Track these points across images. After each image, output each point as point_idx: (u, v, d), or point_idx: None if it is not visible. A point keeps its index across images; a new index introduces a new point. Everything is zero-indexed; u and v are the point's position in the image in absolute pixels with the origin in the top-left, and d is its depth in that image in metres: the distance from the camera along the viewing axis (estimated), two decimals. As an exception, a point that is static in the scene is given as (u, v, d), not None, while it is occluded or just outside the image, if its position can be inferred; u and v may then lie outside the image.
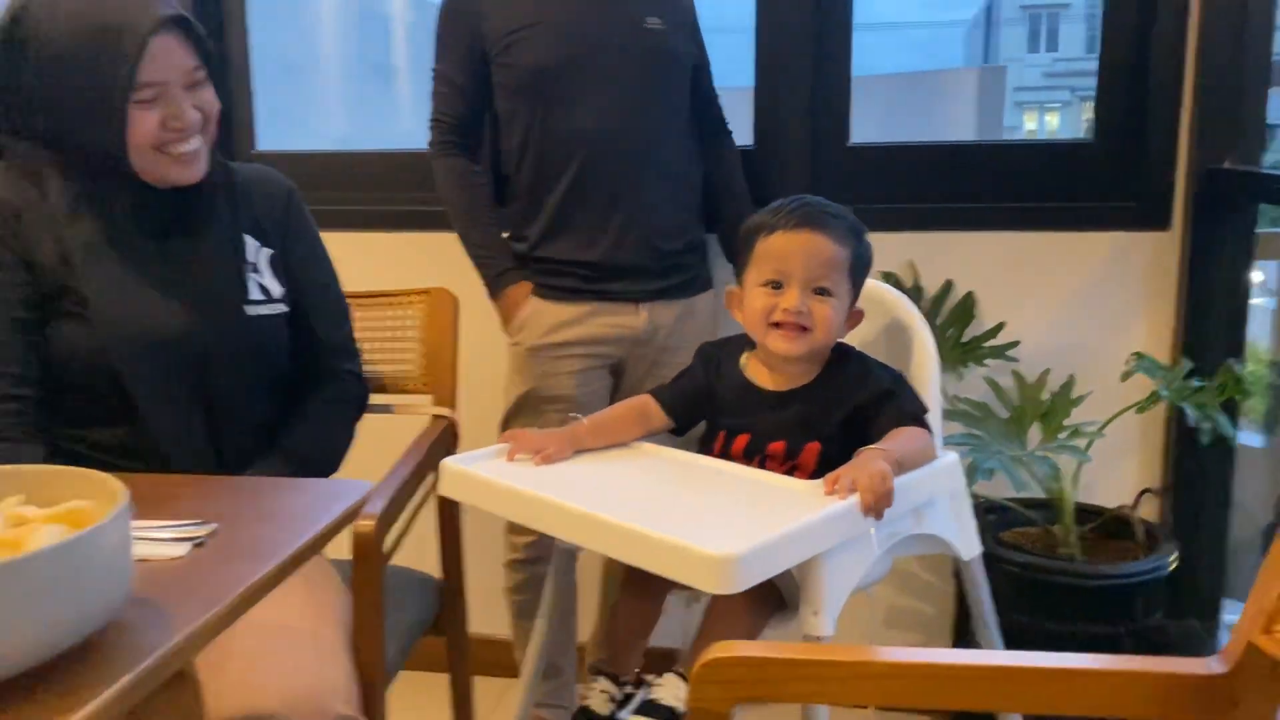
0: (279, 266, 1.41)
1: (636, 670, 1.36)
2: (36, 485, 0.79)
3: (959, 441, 1.78)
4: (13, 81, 1.24)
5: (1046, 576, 1.76)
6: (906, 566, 2.09)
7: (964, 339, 1.96)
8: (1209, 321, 1.88)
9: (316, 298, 1.45)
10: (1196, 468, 1.92)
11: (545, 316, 1.78)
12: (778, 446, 1.33)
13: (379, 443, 1.57)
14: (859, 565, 1.22)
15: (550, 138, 1.74)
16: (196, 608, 0.77)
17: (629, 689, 1.32)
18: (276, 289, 1.39)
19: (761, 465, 1.34)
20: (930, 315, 1.96)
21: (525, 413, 1.82)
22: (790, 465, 1.33)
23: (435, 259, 2.13)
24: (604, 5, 1.74)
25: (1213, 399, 1.76)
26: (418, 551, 1.58)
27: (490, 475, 1.29)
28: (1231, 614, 2.02)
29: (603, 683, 1.33)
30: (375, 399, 1.71)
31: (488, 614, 2.03)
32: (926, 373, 1.45)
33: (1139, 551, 1.84)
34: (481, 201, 1.81)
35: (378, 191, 2.26)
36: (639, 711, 1.22)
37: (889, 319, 1.52)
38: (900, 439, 1.27)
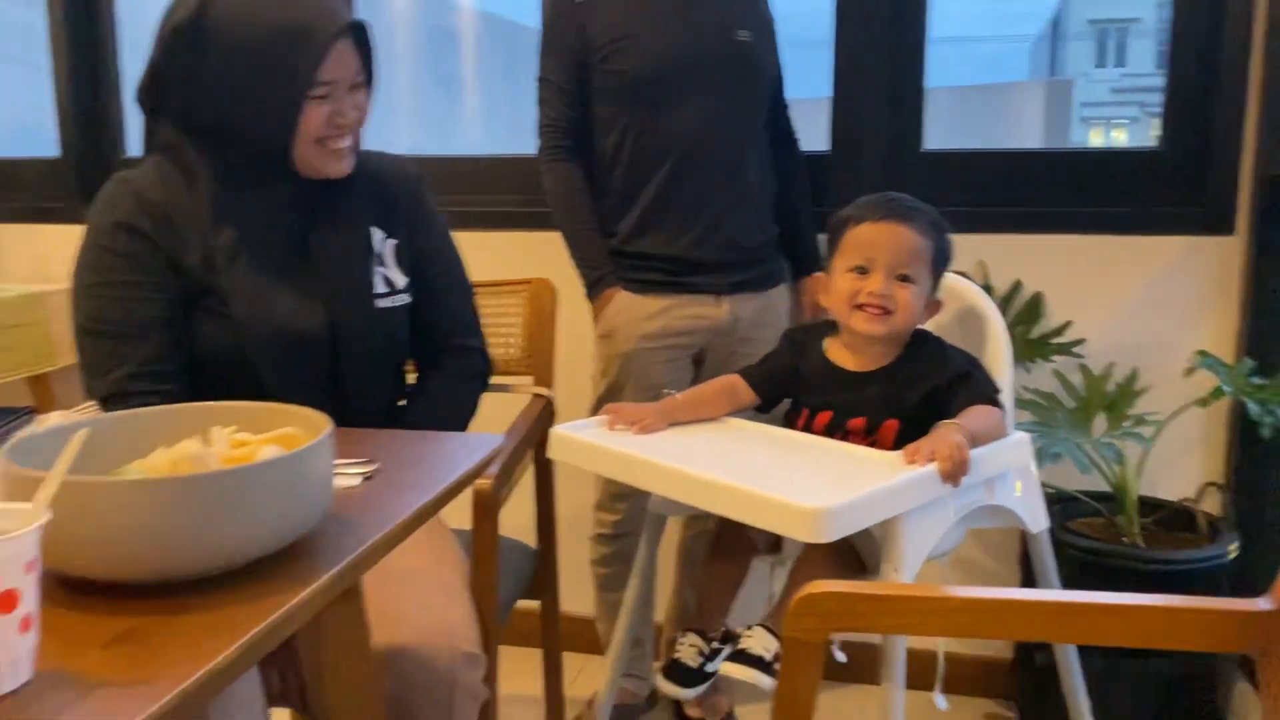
0: (403, 256, 1.48)
1: (723, 628, 1.47)
2: (249, 419, 0.94)
3: (1027, 429, 1.88)
4: (194, 69, 1.31)
5: (1109, 561, 1.84)
6: (972, 555, 2.18)
7: (1032, 336, 2.05)
8: (1271, 321, 1.95)
9: (445, 278, 1.55)
10: (1258, 462, 1.99)
11: (632, 309, 1.91)
12: (858, 423, 1.45)
13: (484, 417, 1.70)
14: (936, 529, 1.33)
15: (645, 141, 1.87)
16: (374, 525, 0.91)
17: (716, 644, 1.44)
18: (400, 280, 1.47)
19: (843, 438, 1.46)
20: (1000, 313, 2.06)
21: (615, 401, 1.94)
22: (870, 441, 1.45)
23: (529, 254, 2.29)
24: (699, 17, 1.86)
25: (1274, 394, 1.84)
26: (510, 524, 1.71)
27: (597, 440, 1.42)
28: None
29: (692, 638, 1.45)
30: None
31: (568, 592, 2.16)
32: (999, 357, 1.55)
33: (1201, 541, 1.91)
34: (586, 208, 1.93)
35: (470, 194, 2.41)
36: (731, 659, 1.33)
37: (963, 308, 1.63)
38: (975, 415, 1.38)
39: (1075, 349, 2.04)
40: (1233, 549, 1.87)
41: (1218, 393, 1.87)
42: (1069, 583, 1.89)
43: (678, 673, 1.41)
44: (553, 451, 1.49)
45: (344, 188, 1.42)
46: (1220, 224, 2.00)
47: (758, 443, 1.45)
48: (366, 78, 1.39)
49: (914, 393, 1.44)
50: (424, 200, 1.54)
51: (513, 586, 1.70)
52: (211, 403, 0.97)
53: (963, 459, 1.28)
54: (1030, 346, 2.05)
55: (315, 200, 1.40)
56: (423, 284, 1.52)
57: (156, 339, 1.32)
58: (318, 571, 0.81)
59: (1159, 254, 2.03)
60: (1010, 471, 1.47)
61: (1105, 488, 1.95)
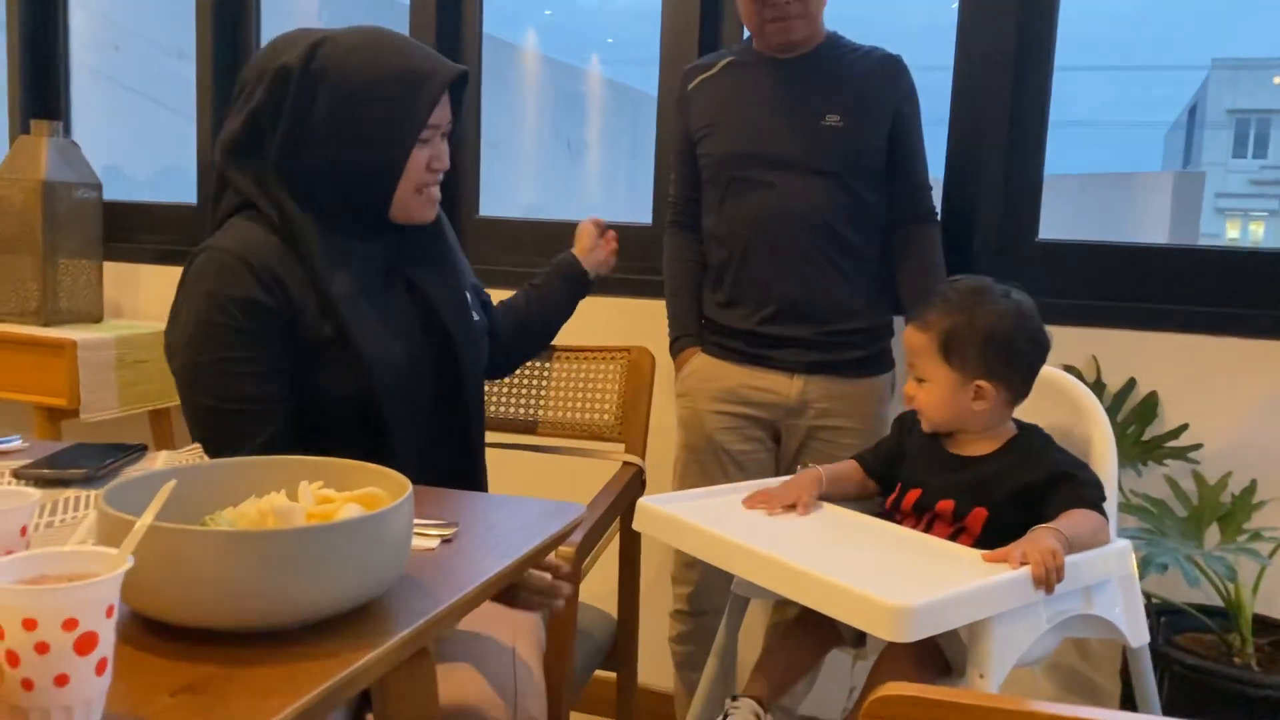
0: (466, 280, 1.55)
1: (777, 707, 1.43)
2: (336, 475, 0.96)
3: (1133, 535, 1.79)
4: (302, 114, 1.32)
5: (1217, 682, 1.73)
6: (1070, 662, 2.08)
7: (1144, 437, 1.97)
8: None
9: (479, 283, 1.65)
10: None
11: (706, 372, 1.95)
12: (946, 505, 1.41)
13: (572, 482, 1.72)
14: (1027, 635, 1.28)
15: (730, 220, 1.92)
16: (449, 589, 0.92)
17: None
18: (472, 299, 1.53)
19: (930, 523, 1.42)
20: (1111, 411, 1.98)
21: (690, 461, 1.94)
22: (957, 527, 1.40)
23: (634, 321, 2.31)
24: (785, 104, 1.90)
25: None
26: (593, 591, 1.71)
27: (684, 515, 1.41)
28: None
29: (748, 704, 1.40)
30: (572, 443, 1.88)
31: (648, 664, 2.14)
32: (1103, 457, 1.49)
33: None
34: (685, 274, 2.01)
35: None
36: None
37: (1068, 406, 1.57)
38: (1074, 519, 1.33)
39: (1190, 454, 1.94)
40: (1358, 681, 1.73)
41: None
42: (1172, 702, 1.78)
43: None
44: (639, 524, 1.49)
45: (427, 228, 1.47)
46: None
47: (846, 529, 1.42)
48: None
49: (1008, 486, 1.40)
50: (447, 221, 1.60)
51: (591, 655, 1.69)
52: (302, 457, 1.00)
53: (1057, 565, 1.23)
54: (1141, 448, 1.96)
55: (408, 243, 1.44)
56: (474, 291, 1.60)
57: (282, 410, 1.31)
58: (387, 634, 0.82)
59: (1285, 360, 1.94)
60: (1111, 580, 1.41)
61: (1217, 602, 1.84)
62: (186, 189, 3.04)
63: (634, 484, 1.78)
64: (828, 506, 1.51)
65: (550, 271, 1.77)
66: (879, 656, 1.37)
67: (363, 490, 0.92)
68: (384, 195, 1.37)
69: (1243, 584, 1.80)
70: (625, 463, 1.81)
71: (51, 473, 1.18)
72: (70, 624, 0.64)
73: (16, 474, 1.19)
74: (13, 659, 0.64)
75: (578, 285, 1.77)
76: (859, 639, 1.50)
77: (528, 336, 1.75)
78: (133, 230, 2.89)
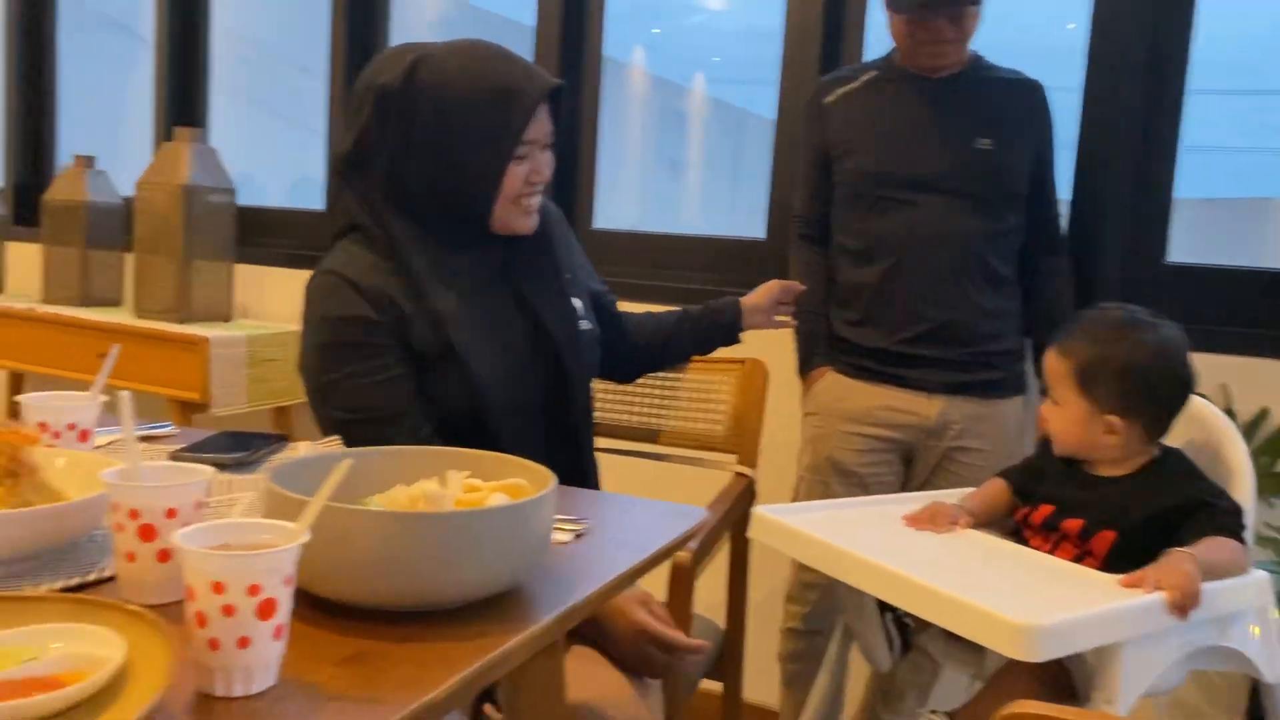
0: (576, 286, 1.56)
1: None
2: (481, 466, 1.00)
3: (1267, 569, 1.73)
4: (405, 132, 1.35)
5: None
6: (1189, 698, 2.01)
7: (1277, 469, 1.90)
8: None
9: (595, 278, 1.68)
10: None
11: (838, 391, 1.92)
12: (1074, 524, 1.38)
13: (684, 491, 1.73)
14: (1157, 663, 1.25)
15: (870, 238, 1.89)
16: (584, 582, 0.95)
17: None
18: (581, 307, 1.54)
19: (1057, 543, 1.40)
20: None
21: (815, 482, 1.93)
22: (1083, 549, 1.38)
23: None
24: (936, 124, 1.88)
25: None
26: (700, 602, 1.72)
27: (801, 525, 1.42)
28: None
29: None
30: (684, 453, 1.89)
31: (752, 678, 2.13)
32: (1242, 490, 1.45)
33: None
34: (816, 292, 1.95)
35: (689, 271, 2.48)
36: None
37: (1206, 432, 1.53)
38: (1211, 546, 1.29)
39: (1327, 488, 1.87)
40: None
41: None
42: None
43: None
44: (754, 531, 1.49)
45: (533, 238, 1.48)
46: None
47: (973, 548, 1.41)
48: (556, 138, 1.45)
49: (1141, 510, 1.36)
50: (568, 229, 1.63)
51: (698, 664, 1.69)
52: (448, 448, 1.03)
53: (1193, 591, 1.20)
54: (1275, 481, 1.89)
55: (513, 254, 1.46)
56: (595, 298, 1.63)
57: (413, 414, 1.35)
58: (531, 619, 0.85)
59: None
60: (1247, 612, 1.36)
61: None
62: (305, 197, 3.16)
63: (745, 495, 1.78)
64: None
65: (709, 311, 1.73)
66: (999, 670, 1.35)
67: (508, 480, 0.95)
68: (482, 209, 1.40)
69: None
70: (737, 474, 1.82)
71: (209, 456, 1.25)
72: (254, 589, 0.68)
73: (173, 457, 1.26)
74: (201, 619, 0.68)
75: (728, 334, 1.74)
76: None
77: (663, 358, 1.76)
78: (261, 234, 3.01)
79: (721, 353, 1.95)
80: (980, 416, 1.87)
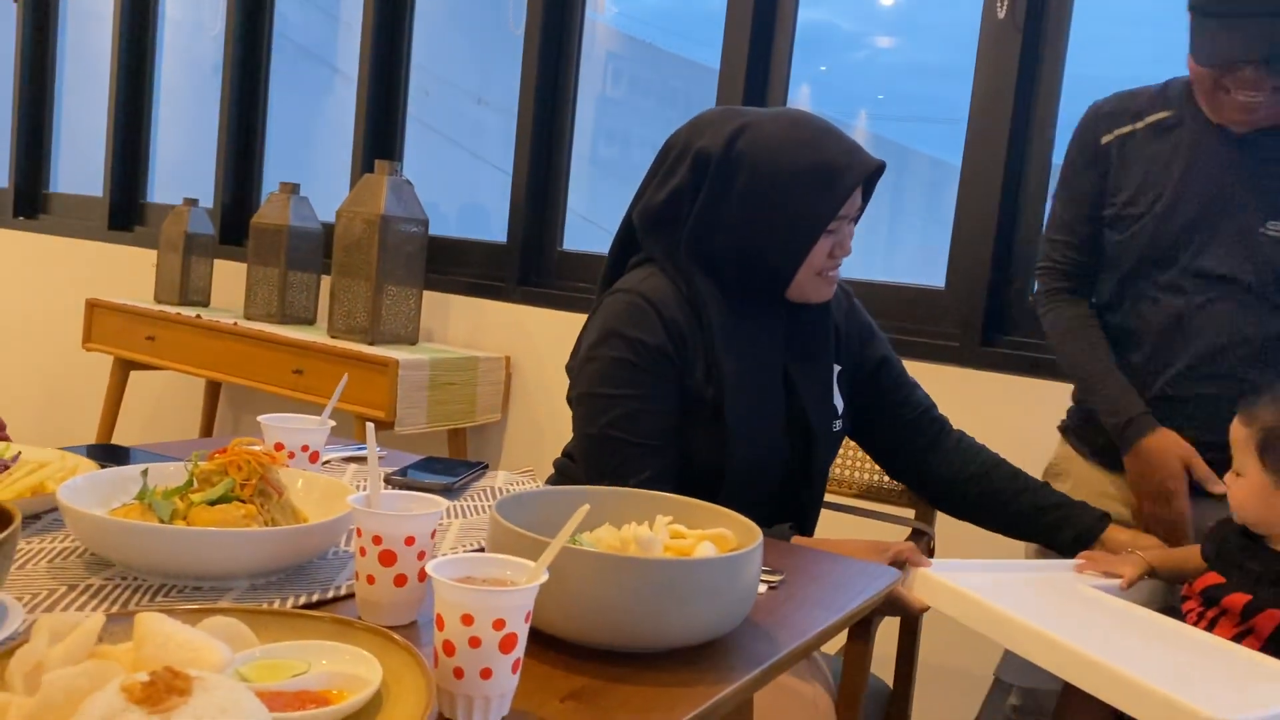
0: (843, 381, 1.57)
1: None
2: (682, 511, 1.03)
3: None
4: (720, 196, 1.39)
5: None
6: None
7: None
8: None
9: (903, 373, 1.65)
10: None
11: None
12: (1237, 600, 1.32)
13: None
14: None
15: (1143, 313, 1.65)
16: (786, 635, 0.96)
17: None
18: (841, 405, 1.55)
19: (1215, 618, 1.33)
20: None
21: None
22: (1244, 628, 1.31)
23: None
24: (1226, 195, 1.58)
25: None
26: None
27: (965, 587, 1.36)
28: None
29: None
30: (860, 504, 1.88)
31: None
32: None
33: None
34: (1103, 345, 1.68)
35: (880, 319, 2.46)
36: None
37: None
38: None
39: None
40: None
41: None
42: None
43: None
44: (918, 589, 1.44)
45: (814, 318, 1.50)
46: None
47: (1140, 625, 1.34)
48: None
49: None
50: (862, 317, 1.62)
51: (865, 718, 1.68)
52: (655, 492, 1.07)
53: None
54: None
55: (794, 331, 1.49)
56: (891, 379, 1.63)
57: (672, 448, 1.40)
58: (738, 670, 0.87)
59: None
60: None
61: None
62: (483, 226, 3.29)
63: (925, 551, 1.76)
64: (1121, 599, 1.42)
65: (1071, 514, 1.57)
66: None
67: (714, 530, 0.97)
68: (784, 279, 1.43)
69: None
70: (915, 530, 1.79)
71: (424, 481, 1.32)
72: (499, 624, 0.72)
73: (387, 480, 1.34)
74: (449, 648, 0.73)
75: (1052, 540, 1.58)
76: None
77: (979, 500, 1.62)
78: (445, 263, 3.16)
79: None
80: None
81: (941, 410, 1.88)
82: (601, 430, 1.39)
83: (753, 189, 1.38)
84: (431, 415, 2.74)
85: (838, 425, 1.54)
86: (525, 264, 3.00)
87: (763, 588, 1.08)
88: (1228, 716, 1.05)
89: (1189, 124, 1.61)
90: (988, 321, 2.33)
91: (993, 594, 1.36)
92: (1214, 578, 1.37)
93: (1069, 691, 1.45)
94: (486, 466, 1.48)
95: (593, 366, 1.41)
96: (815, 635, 0.98)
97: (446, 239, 3.20)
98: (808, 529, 1.56)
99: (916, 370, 2.33)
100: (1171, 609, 1.42)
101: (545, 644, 0.87)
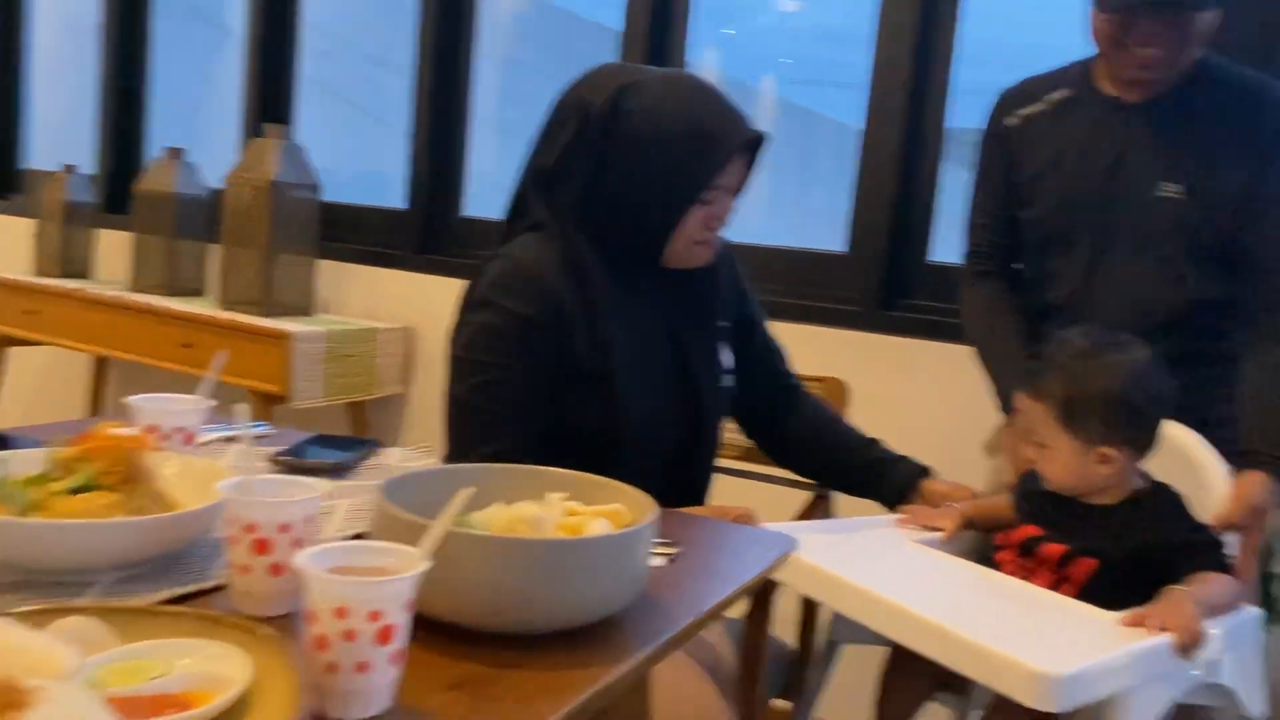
0: (728, 339, 1.56)
1: None
2: (578, 487, 1.00)
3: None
4: (602, 156, 1.36)
5: None
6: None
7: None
8: None
9: (769, 334, 1.66)
10: None
11: None
12: (1055, 550, 1.35)
13: (765, 510, 1.72)
14: (1158, 705, 1.21)
15: (1047, 290, 1.69)
16: (683, 609, 0.95)
17: None
18: (729, 361, 1.55)
19: (1032, 568, 1.37)
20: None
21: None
22: (1060, 575, 1.34)
23: (821, 349, 2.31)
24: (1117, 161, 1.61)
25: None
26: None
27: (813, 559, 1.34)
28: None
29: None
30: (763, 469, 1.88)
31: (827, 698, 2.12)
32: (1215, 500, 1.43)
33: None
34: (1005, 323, 1.73)
35: (776, 283, 2.46)
36: None
37: (1187, 464, 1.48)
38: (1210, 585, 1.27)
39: None
40: None
41: None
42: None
43: None
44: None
45: (699, 280, 1.49)
46: None
47: (969, 582, 1.36)
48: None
49: (1124, 543, 1.33)
50: (739, 275, 1.62)
51: (769, 684, 1.68)
52: (546, 468, 1.04)
53: (1197, 631, 1.18)
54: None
55: (678, 291, 1.47)
56: (760, 342, 1.63)
57: (531, 424, 1.37)
58: (631, 649, 0.85)
59: None
60: (1239, 649, 1.33)
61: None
62: (383, 193, 3.20)
63: (823, 515, 1.77)
64: (945, 556, 1.44)
65: (890, 470, 1.61)
66: (988, 711, 1.31)
67: (608, 506, 0.95)
68: (656, 246, 1.41)
69: None
70: (817, 496, 1.80)
71: (309, 462, 1.27)
72: (375, 615, 0.69)
73: (274, 460, 1.28)
74: (322, 643, 0.69)
75: (887, 496, 1.61)
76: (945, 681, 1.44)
77: (813, 465, 1.68)
78: (342, 230, 3.06)
79: (801, 370, 1.94)
80: None
81: (844, 374, 1.89)
82: (461, 395, 1.38)
83: (631, 151, 1.36)
84: (329, 389, 2.66)
85: (727, 381, 1.54)
86: (425, 231, 2.92)
87: (660, 560, 1.06)
88: (1058, 671, 1.07)
89: (1087, 100, 1.65)
90: (889, 285, 2.34)
91: (821, 555, 1.35)
92: (1031, 529, 1.40)
93: (897, 651, 1.47)
94: (378, 443, 1.43)
95: (462, 331, 1.40)
96: (712, 607, 0.96)
97: (344, 206, 3.10)
98: (701, 493, 1.55)
99: (819, 335, 2.36)
100: (988, 559, 1.45)
101: (433, 630, 0.84)
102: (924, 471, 1.60)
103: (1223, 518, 1.43)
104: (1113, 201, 1.61)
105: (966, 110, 2.21)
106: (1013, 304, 1.75)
